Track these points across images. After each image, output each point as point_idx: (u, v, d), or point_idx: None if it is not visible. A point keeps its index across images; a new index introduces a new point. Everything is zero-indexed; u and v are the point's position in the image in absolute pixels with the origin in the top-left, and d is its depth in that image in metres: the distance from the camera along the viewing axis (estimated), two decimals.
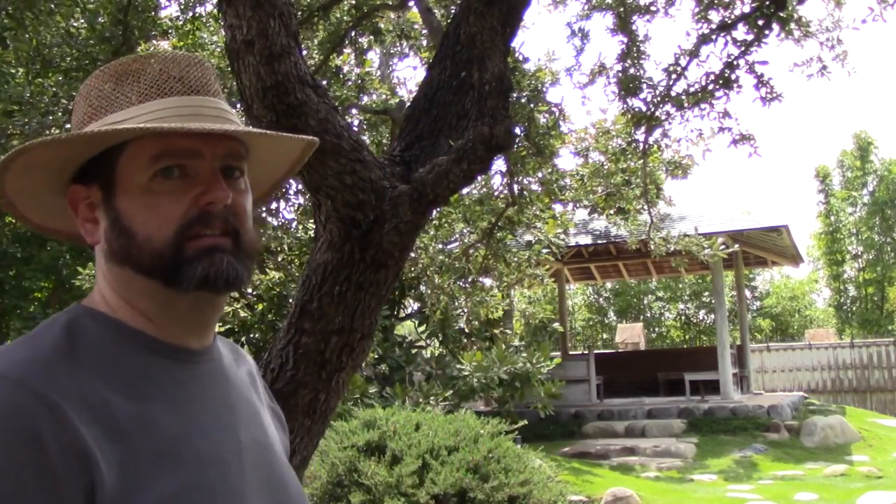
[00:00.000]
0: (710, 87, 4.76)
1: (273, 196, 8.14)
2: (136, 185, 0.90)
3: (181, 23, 7.01)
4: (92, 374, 0.84)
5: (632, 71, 5.17)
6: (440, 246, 7.59)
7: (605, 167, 8.18)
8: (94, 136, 0.89)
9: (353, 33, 6.74)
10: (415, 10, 6.39)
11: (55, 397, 0.78)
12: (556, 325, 15.21)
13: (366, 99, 7.81)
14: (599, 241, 14.00)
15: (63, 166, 0.94)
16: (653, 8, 5.34)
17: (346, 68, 7.58)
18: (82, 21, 5.89)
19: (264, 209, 8.36)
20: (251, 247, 0.94)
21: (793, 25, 4.94)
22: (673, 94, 4.98)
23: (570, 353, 16.09)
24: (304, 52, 3.00)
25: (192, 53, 1.00)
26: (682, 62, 4.89)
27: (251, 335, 10.67)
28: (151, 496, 0.80)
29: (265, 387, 1.14)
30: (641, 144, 5.90)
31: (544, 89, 6.90)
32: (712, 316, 22.78)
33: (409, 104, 3.86)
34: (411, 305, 12.22)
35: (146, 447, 0.83)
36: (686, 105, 4.98)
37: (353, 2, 6.34)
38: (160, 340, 0.92)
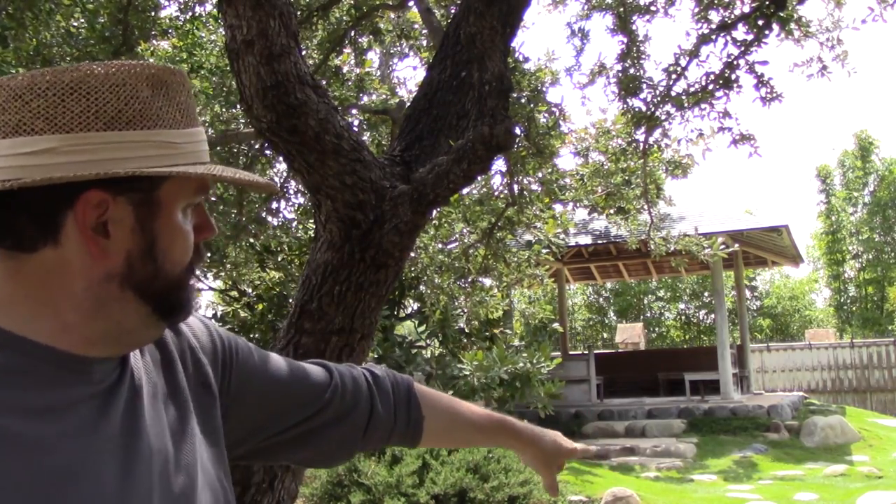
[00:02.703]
0: (710, 87, 4.76)
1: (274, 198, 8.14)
2: (177, 212, 0.87)
3: (181, 23, 7.01)
4: None
5: (632, 71, 5.17)
6: (440, 246, 7.59)
7: (605, 167, 8.17)
8: (205, 176, 0.86)
9: (352, 33, 6.74)
10: (415, 10, 6.39)
11: None
12: (556, 325, 15.21)
13: (365, 99, 7.81)
14: (599, 241, 14.00)
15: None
16: (653, 8, 5.34)
17: (345, 68, 7.58)
18: (82, 21, 5.89)
19: (264, 209, 8.36)
20: None
21: (793, 25, 4.93)
22: (673, 94, 4.98)
23: (570, 353, 16.09)
24: (304, 52, 3.00)
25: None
26: (682, 62, 4.88)
27: (251, 335, 10.67)
28: None
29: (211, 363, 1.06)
30: (641, 144, 5.89)
31: (544, 89, 6.89)
32: (712, 316, 22.78)
33: (409, 104, 3.86)
34: (411, 305, 12.22)
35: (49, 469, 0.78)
36: (686, 105, 4.98)
37: (353, 2, 6.33)
38: (64, 350, 0.84)
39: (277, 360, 1.17)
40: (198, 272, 0.93)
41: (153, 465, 0.87)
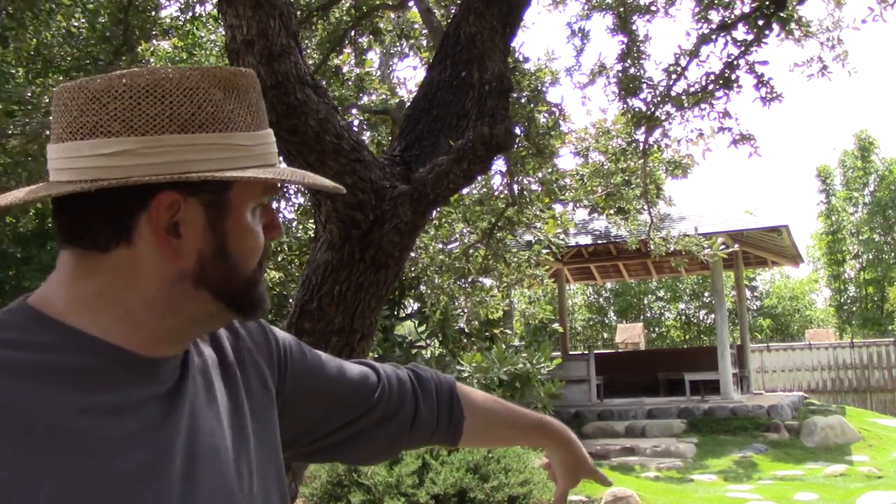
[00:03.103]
0: (710, 87, 4.76)
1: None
2: (246, 212, 0.89)
3: (181, 23, 7.01)
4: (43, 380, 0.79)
5: (632, 71, 5.17)
6: (440, 246, 7.58)
7: (605, 167, 8.17)
8: (274, 180, 0.88)
9: (352, 33, 6.74)
10: (415, 10, 6.39)
11: None
12: (556, 325, 15.21)
13: (365, 99, 7.81)
14: (599, 241, 14.00)
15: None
16: (653, 8, 5.34)
17: (345, 68, 7.58)
18: (82, 21, 5.90)
19: None
20: None
21: (793, 25, 4.94)
22: (673, 94, 4.98)
23: (570, 353, 16.09)
24: (304, 52, 3.00)
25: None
26: (682, 62, 4.88)
27: None
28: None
29: (276, 361, 1.08)
30: (641, 144, 5.89)
31: (544, 89, 6.89)
32: (712, 316, 22.78)
33: (409, 104, 3.86)
34: (411, 305, 12.22)
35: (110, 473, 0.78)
36: (686, 105, 4.98)
37: (353, 2, 6.34)
38: (129, 350, 0.85)
39: (328, 360, 1.18)
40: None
41: (214, 466, 0.88)
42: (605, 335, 29.42)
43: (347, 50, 7.31)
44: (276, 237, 0.94)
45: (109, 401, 0.82)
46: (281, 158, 2.59)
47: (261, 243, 0.91)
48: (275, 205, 8.59)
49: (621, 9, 5.26)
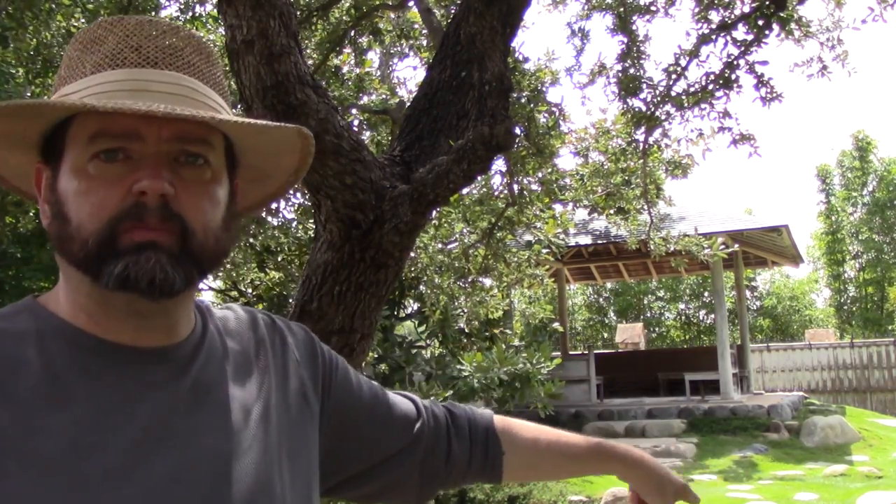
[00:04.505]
0: (710, 87, 4.76)
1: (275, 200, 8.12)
2: (74, 167, 0.80)
3: (181, 23, 7.01)
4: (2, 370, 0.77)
5: (632, 71, 5.17)
6: (440, 246, 7.58)
7: (605, 167, 8.17)
8: (16, 107, 0.79)
9: (352, 33, 6.74)
10: (415, 10, 6.39)
11: None
12: (556, 325, 15.20)
13: (365, 99, 7.81)
14: (599, 241, 14.00)
15: (19, 139, 0.84)
16: (653, 8, 5.34)
17: (345, 68, 7.57)
18: (82, 21, 5.89)
19: (264, 209, 8.36)
20: (204, 250, 0.81)
21: (793, 25, 4.93)
22: (673, 94, 4.98)
23: (570, 353, 16.09)
24: (304, 52, 3.00)
25: (177, 24, 0.89)
26: (682, 62, 4.88)
27: None
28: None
29: (317, 363, 1.01)
30: (641, 144, 5.89)
31: (544, 89, 6.89)
32: (712, 316, 22.78)
33: (409, 104, 3.86)
34: (411, 305, 12.22)
35: (29, 457, 0.73)
36: (686, 105, 4.97)
37: (353, 2, 6.33)
38: (101, 339, 0.82)
39: (371, 386, 1.11)
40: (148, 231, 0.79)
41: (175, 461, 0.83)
42: (605, 335, 29.42)
43: (347, 50, 7.30)
44: (144, 188, 0.78)
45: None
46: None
47: (97, 200, 0.78)
48: (274, 205, 8.58)
49: (621, 9, 5.26)
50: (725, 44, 4.63)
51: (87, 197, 0.78)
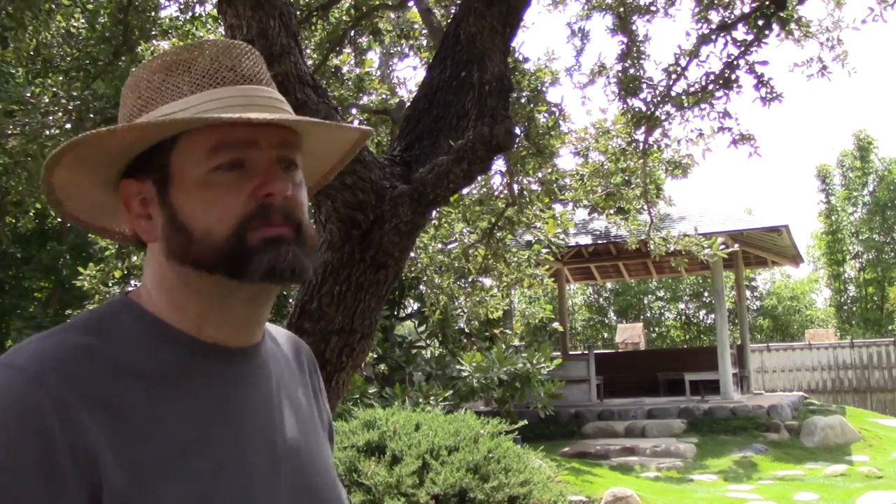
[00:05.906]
0: (710, 87, 4.76)
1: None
2: (192, 179, 0.87)
3: (181, 23, 7.00)
4: (117, 371, 0.82)
5: (632, 71, 5.17)
6: (440, 246, 7.58)
7: (605, 167, 8.17)
8: (150, 126, 0.86)
9: (352, 33, 6.74)
10: (415, 10, 6.39)
11: (70, 396, 0.77)
12: (556, 324, 15.21)
13: (365, 99, 7.80)
14: (599, 241, 14.00)
15: (113, 161, 0.91)
16: (653, 8, 5.34)
17: (345, 68, 7.57)
18: (82, 21, 5.89)
19: None
20: (312, 240, 0.92)
21: (793, 25, 4.94)
22: (673, 94, 4.98)
23: (570, 353, 16.09)
24: (304, 52, 3.00)
25: (241, 42, 0.97)
26: (682, 62, 4.89)
27: None
28: (156, 502, 0.78)
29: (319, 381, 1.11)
30: (641, 144, 5.90)
31: (544, 89, 6.89)
32: (712, 316, 22.78)
33: (409, 104, 3.86)
34: (411, 305, 12.23)
35: (161, 451, 0.80)
36: (686, 105, 4.98)
37: (353, 2, 6.34)
38: (201, 340, 0.90)
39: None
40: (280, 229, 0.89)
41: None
42: (605, 335, 29.42)
43: (347, 50, 7.31)
44: (269, 190, 0.87)
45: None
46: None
47: (223, 206, 0.86)
48: None
49: (621, 9, 5.26)
50: (725, 44, 4.64)
51: (214, 205, 0.87)
